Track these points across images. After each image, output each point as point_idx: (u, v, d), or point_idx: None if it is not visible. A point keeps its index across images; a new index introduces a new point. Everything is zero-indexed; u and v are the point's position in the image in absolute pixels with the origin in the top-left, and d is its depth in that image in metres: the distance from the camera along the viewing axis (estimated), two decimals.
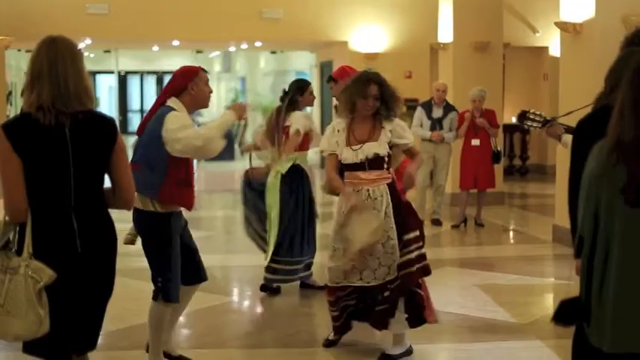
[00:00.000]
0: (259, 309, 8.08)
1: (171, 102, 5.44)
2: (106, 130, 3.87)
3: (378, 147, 6.01)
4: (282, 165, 7.90)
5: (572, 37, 10.46)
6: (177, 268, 5.43)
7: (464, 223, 12.07)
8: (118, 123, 4.14)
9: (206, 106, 5.71)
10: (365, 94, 6.00)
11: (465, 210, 12.06)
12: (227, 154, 18.43)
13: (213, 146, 5.35)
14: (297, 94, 8.04)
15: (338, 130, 6.15)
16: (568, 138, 5.79)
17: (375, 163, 6.02)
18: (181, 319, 7.13)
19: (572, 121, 4.43)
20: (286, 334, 6.81)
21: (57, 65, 3.76)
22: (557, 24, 10.66)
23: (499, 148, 12.30)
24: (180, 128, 5.24)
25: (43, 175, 3.75)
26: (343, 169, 6.15)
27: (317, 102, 22.25)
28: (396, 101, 6.13)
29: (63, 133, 3.74)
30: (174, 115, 5.30)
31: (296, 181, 7.92)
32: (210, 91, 5.62)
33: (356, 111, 6.08)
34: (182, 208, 5.52)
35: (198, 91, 5.49)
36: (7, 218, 3.77)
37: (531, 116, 6.09)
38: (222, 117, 5.61)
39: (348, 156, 6.05)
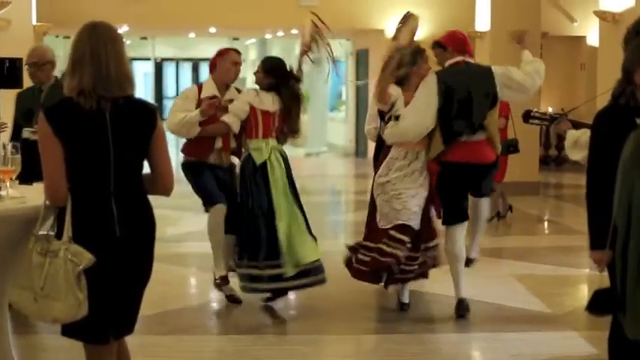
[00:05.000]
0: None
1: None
2: (146, 116, 3.89)
3: None
4: None
5: (611, 26, 10.37)
6: (211, 187, 6.95)
7: (497, 216, 11.78)
8: None
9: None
10: None
11: (497, 202, 11.76)
12: None
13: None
14: None
15: None
16: (574, 135, 5.76)
17: None
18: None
19: None
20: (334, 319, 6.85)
21: (98, 50, 3.75)
22: (596, 13, 10.59)
23: (513, 139, 10.79)
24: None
25: (83, 159, 3.77)
26: None
27: (353, 88, 22.34)
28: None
29: (103, 118, 3.76)
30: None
31: None
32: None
33: None
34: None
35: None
36: (47, 202, 3.80)
37: (536, 115, 6.09)
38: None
39: None
